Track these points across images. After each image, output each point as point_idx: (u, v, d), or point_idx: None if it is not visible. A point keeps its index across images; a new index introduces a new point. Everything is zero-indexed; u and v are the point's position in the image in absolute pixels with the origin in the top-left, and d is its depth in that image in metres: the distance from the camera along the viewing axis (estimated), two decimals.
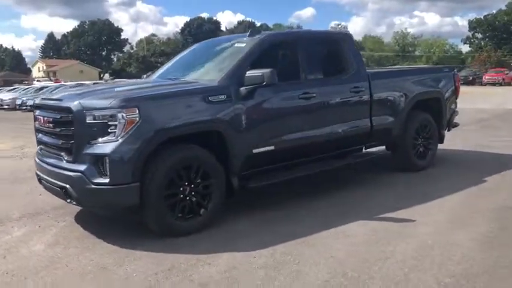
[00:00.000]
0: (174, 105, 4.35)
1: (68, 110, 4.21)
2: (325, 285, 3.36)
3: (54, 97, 4.76)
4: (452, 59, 76.46)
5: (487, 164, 7.06)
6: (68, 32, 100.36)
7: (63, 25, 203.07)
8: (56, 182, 4.38)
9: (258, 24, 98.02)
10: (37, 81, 56.73)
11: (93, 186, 4.05)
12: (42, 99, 4.96)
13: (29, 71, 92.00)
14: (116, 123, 4.04)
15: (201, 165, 4.45)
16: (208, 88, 4.65)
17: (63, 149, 4.36)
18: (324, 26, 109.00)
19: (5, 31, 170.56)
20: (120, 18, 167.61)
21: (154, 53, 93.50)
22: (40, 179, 4.78)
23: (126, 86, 5.24)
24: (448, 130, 7.36)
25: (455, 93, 7.22)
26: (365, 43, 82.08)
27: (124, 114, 4.04)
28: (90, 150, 4.09)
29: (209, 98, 4.51)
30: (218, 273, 3.62)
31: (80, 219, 5.05)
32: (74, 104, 4.18)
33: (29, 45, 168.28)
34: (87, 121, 4.09)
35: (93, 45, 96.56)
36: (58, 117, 4.34)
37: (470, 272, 3.46)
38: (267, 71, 4.65)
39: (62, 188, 4.29)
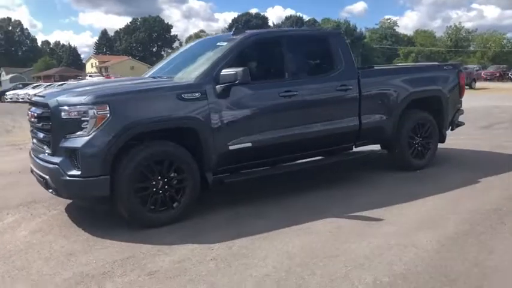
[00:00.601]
0: (145, 103, 4.55)
1: (47, 106, 4.51)
2: (265, 278, 3.46)
3: (41, 94, 5.08)
4: (509, 55, 73.04)
5: (492, 165, 6.83)
6: (120, 29, 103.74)
7: (118, 22, 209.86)
8: (40, 173, 4.70)
9: (306, 19, 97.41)
10: (89, 76, 59.10)
11: (68, 178, 4.33)
12: (34, 95, 5.30)
13: (84, 66, 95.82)
14: (88, 119, 4.29)
15: (174, 161, 4.63)
16: (182, 86, 4.82)
17: (45, 142, 4.66)
18: (375, 21, 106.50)
19: (64, 28, 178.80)
20: (172, 14, 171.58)
21: None
22: (32, 171, 5.12)
23: (107, 83, 5.49)
24: (452, 129, 7.18)
25: (460, 91, 7.03)
26: (416, 38, 79.73)
27: (95, 111, 4.28)
28: (65, 144, 4.36)
29: (182, 95, 4.68)
30: (171, 263, 3.80)
31: (70, 208, 5.35)
32: (51, 101, 4.48)
33: (86, 42, 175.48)
34: (63, 117, 4.36)
35: (144, 41, 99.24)
36: (40, 112, 4.65)
37: (412, 272, 3.45)
38: (239, 69, 4.77)
39: (43, 179, 4.60)
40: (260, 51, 5.51)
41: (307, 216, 4.79)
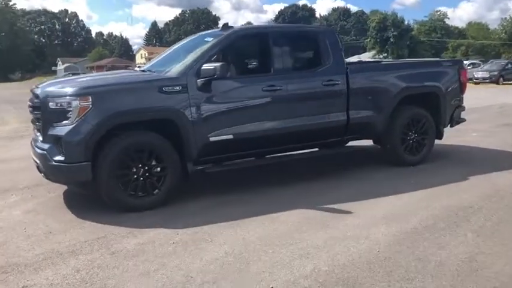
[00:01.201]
0: (126, 95, 4.87)
1: (38, 96, 4.91)
2: (212, 261, 3.69)
3: (38, 85, 5.50)
4: None
5: (490, 163, 6.74)
6: (169, 21, 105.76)
7: (170, 14, 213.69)
8: (34, 158, 5.12)
9: (353, 10, 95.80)
10: (138, 67, 60.87)
11: (54, 163, 4.72)
12: (34, 86, 5.73)
13: (134, 57, 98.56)
14: (72, 109, 4.65)
15: (154, 150, 4.93)
16: (164, 79, 5.11)
17: (38, 130, 5.08)
18: (426, 12, 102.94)
19: (118, 19, 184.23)
20: (221, 6, 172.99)
21: None
22: (32, 157, 5.56)
23: (97, 76, 5.85)
24: (451, 126, 7.11)
25: (461, 88, 6.94)
26: (468, 30, 76.63)
27: (78, 102, 4.64)
28: (52, 132, 4.74)
29: (163, 88, 4.96)
30: (135, 244, 4.09)
31: (68, 192, 5.76)
32: (41, 92, 4.88)
33: (138, 33, 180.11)
34: (50, 107, 4.75)
35: (192, 33, 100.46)
36: (33, 103, 5.06)
37: (353, 263, 3.58)
38: (218, 64, 4.99)
39: (37, 163, 5.02)
40: (245, 46, 5.72)
41: (281, 206, 4.98)
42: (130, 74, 5.83)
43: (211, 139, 5.20)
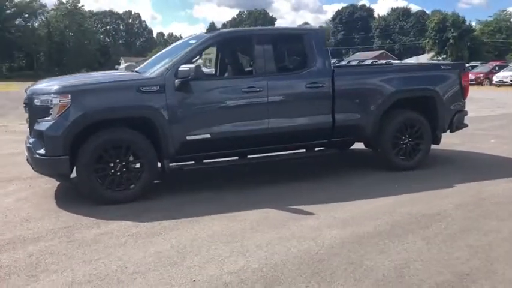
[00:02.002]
0: (103, 93, 5.17)
1: (26, 94, 5.30)
2: (155, 254, 3.87)
3: (32, 84, 5.90)
4: None
5: (488, 171, 6.48)
6: (227, 22, 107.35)
7: (229, 15, 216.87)
8: (25, 152, 5.53)
9: (414, 10, 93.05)
10: (115, 68, 61.98)
11: (37, 156, 5.08)
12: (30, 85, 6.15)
13: None
14: (52, 106, 4.99)
15: (131, 146, 5.19)
16: (142, 79, 5.36)
17: (28, 125, 5.47)
18: (494, 12, 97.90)
19: (180, 20, 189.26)
20: (280, 7, 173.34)
21: None
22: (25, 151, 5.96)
23: (81, 76, 6.20)
24: (451, 131, 6.90)
25: (462, 92, 6.72)
26: None
27: (58, 99, 4.97)
28: (36, 127, 5.11)
29: (141, 88, 5.21)
30: (94, 234, 4.35)
31: (63, 184, 6.13)
32: (29, 90, 5.26)
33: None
34: (35, 104, 5.12)
35: None
36: (24, 99, 5.46)
37: (284, 263, 3.64)
38: (192, 66, 5.17)
39: (26, 156, 5.42)
40: (227, 49, 5.85)
41: (250, 205, 5.10)
42: (115, 74, 6.12)
43: (188, 138, 5.39)
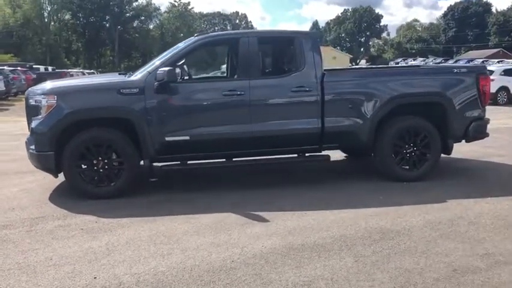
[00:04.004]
0: (86, 95, 5.51)
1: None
2: (85, 250, 4.08)
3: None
4: None
5: (498, 186, 5.83)
6: (330, 20, 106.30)
7: (336, 12, 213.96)
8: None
9: None
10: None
11: (30, 151, 5.59)
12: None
13: None
14: (41, 105, 5.45)
15: (111, 145, 5.49)
16: (123, 82, 5.61)
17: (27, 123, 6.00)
18: None
19: (288, 20, 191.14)
20: (392, 4, 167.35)
21: (410, 39, 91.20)
22: None
23: (75, 79, 6.57)
24: (467, 141, 6.26)
25: (481, 98, 6.07)
26: None
27: (46, 100, 5.41)
28: (31, 125, 5.61)
29: (121, 90, 5.47)
30: (54, 226, 4.69)
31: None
32: (27, 90, 5.78)
33: None
34: (30, 103, 5.62)
35: (352, 32, 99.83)
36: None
37: (176, 269, 3.66)
38: (166, 69, 5.32)
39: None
40: (210, 52, 5.91)
41: (216, 208, 5.18)
42: (104, 77, 6.45)
43: (167, 139, 5.55)
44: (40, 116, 5.46)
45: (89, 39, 76.56)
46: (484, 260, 3.73)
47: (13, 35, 59.64)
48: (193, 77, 6.52)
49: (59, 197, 5.72)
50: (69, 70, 39.89)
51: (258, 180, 6.37)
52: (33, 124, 5.52)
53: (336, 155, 7.05)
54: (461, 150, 7.24)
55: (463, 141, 6.33)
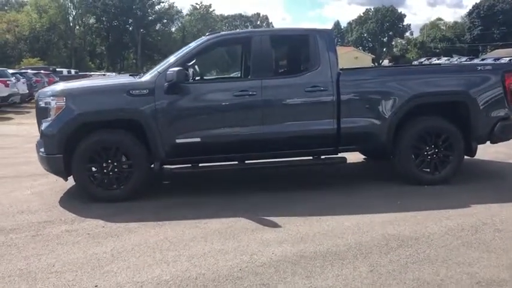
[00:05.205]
0: (96, 96, 5.40)
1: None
2: (88, 256, 3.96)
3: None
4: None
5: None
6: (352, 20, 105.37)
7: (358, 12, 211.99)
8: None
9: None
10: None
11: (40, 154, 5.51)
12: None
13: None
14: (51, 107, 5.37)
15: (120, 148, 5.37)
16: (133, 83, 5.48)
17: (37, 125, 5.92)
18: None
19: (310, 20, 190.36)
20: (414, 3, 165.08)
21: (434, 38, 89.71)
22: None
23: (85, 80, 6.51)
24: (492, 142, 5.94)
25: (507, 97, 5.75)
26: None
27: (55, 102, 5.33)
28: (41, 127, 5.53)
29: (131, 91, 5.34)
30: (60, 231, 4.57)
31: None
32: (37, 92, 5.70)
33: None
34: (40, 105, 5.54)
35: (374, 32, 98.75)
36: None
37: (182, 276, 3.50)
38: (175, 69, 5.17)
39: None
40: (222, 52, 5.73)
41: (226, 212, 4.99)
42: (114, 78, 6.35)
43: (178, 141, 5.40)
44: (49, 118, 5.37)
45: (113, 43, 77.62)
46: (511, 272, 3.45)
47: (39, 39, 60.86)
48: (205, 77, 6.37)
49: (69, 200, 5.63)
50: (92, 73, 40.36)
51: (270, 183, 6.17)
52: (43, 126, 5.43)
53: (353, 157, 6.80)
54: (486, 151, 6.90)
55: (488, 142, 6.00)
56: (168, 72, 5.27)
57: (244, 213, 4.91)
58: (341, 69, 5.68)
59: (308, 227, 4.46)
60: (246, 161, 5.76)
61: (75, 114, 5.29)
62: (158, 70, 5.50)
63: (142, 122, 5.34)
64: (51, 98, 5.38)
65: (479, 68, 5.90)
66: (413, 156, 5.71)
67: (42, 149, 5.44)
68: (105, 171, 5.40)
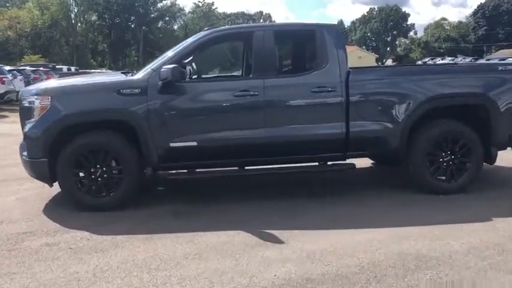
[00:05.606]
0: (83, 96, 4.95)
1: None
2: (67, 275, 3.53)
3: None
4: None
5: None
6: (356, 19, 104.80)
7: (362, 11, 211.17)
8: None
9: None
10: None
11: (23, 157, 5.07)
12: None
13: None
14: (34, 107, 4.92)
15: (109, 152, 4.92)
16: (124, 82, 5.04)
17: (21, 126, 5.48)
18: None
19: (313, 19, 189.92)
20: (419, 2, 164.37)
21: (438, 38, 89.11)
22: None
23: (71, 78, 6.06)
24: None
25: None
26: None
27: (39, 101, 4.89)
28: (24, 129, 5.10)
29: (121, 91, 4.90)
30: (40, 245, 4.14)
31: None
32: (20, 91, 5.26)
33: None
34: (23, 105, 5.10)
35: (378, 31, 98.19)
36: None
37: None
38: (170, 67, 4.73)
39: None
40: (220, 48, 5.29)
41: (223, 224, 4.55)
42: (105, 76, 5.89)
43: (172, 145, 4.96)
44: (33, 119, 4.93)
45: (115, 40, 77.22)
46: None
47: (41, 36, 60.50)
48: (203, 76, 5.91)
49: (54, 207, 5.20)
50: (93, 70, 39.98)
51: (272, 191, 5.70)
52: (26, 128, 5.00)
53: (360, 162, 6.34)
54: (507, 158, 6.42)
55: (509, 148, 5.55)
56: (162, 69, 4.83)
57: (244, 225, 4.48)
58: (350, 68, 5.22)
59: (314, 243, 4.01)
60: (246, 167, 5.31)
61: (61, 115, 4.85)
62: (152, 67, 5.05)
63: (134, 123, 4.90)
64: (35, 97, 4.94)
65: (500, 68, 5.46)
66: (427, 163, 5.24)
67: (25, 153, 5.01)
68: (93, 177, 4.95)
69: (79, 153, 4.89)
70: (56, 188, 5.40)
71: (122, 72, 6.08)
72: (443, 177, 5.32)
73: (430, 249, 3.84)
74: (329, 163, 5.35)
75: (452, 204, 4.99)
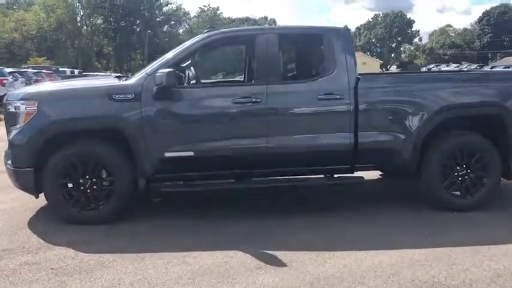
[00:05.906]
0: (72, 101, 4.60)
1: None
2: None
3: None
4: None
5: None
6: (361, 25, 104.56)
7: (366, 17, 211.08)
8: None
9: None
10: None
11: (7, 166, 4.74)
12: None
13: None
14: (20, 113, 4.59)
15: (100, 162, 4.58)
16: (116, 86, 4.70)
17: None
18: None
19: (319, 24, 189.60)
20: (423, 9, 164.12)
21: (443, 45, 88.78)
22: None
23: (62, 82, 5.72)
24: None
25: None
26: None
27: (25, 106, 4.55)
28: (8, 136, 4.76)
29: (113, 96, 4.55)
30: (19, 264, 3.81)
31: None
32: (6, 95, 4.93)
33: None
34: (9, 110, 4.76)
35: (383, 37, 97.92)
36: None
37: None
38: (165, 71, 4.39)
39: None
40: (221, 52, 4.96)
41: (221, 243, 4.19)
42: (97, 80, 5.55)
43: (167, 155, 4.62)
44: (18, 126, 4.60)
45: (120, 43, 77.14)
46: None
47: (47, 38, 60.55)
48: (202, 81, 5.57)
49: (40, 220, 4.87)
50: (96, 73, 39.81)
51: (274, 206, 5.32)
52: (11, 135, 4.66)
53: (368, 173, 5.96)
54: None
55: None
56: (157, 74, 4.49)
57: (243, 243, 4.12)
58: (360, 75, 4.87)
59: (320, 267, 3.65)
60: (247, 179, 4.96)
61: (48, 121, 4.51)
62: (146, 71, 4.71)
63: (126, 131, 4.56)
64: (21, 101, 4.60)
65: None
66: (441, 177, 4.87)
67: (9, 161, 4.68)
68: (81, 188, 4.60)
69: (67, 163, 4.54)
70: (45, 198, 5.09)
71: (115, 76, 5.74)
72: (458, 193, 4.94)
73: (447, 276, 3.47)
74: (336, 176, 4.99)
75: (469, 223, 4.61)
